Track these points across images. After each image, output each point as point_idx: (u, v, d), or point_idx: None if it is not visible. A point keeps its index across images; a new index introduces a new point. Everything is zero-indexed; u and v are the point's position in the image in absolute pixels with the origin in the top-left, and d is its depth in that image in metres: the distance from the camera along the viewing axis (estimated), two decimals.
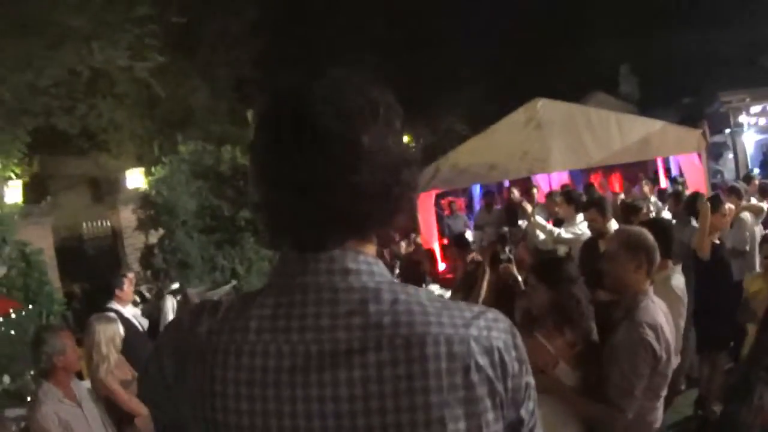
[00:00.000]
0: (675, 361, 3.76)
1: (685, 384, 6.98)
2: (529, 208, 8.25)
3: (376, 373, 1.13)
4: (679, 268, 5.07)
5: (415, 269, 11.15)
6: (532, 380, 1.27)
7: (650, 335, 3.32)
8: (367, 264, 1.23)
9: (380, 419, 1.13)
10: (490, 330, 1.20)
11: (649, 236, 3.68)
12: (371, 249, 1.28)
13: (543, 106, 11.35)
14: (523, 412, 1.25)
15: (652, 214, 9.32)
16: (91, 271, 14.13)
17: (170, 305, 9.66)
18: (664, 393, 3.62)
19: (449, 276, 11.13)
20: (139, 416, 5.17)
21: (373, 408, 1.13)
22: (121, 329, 5.39)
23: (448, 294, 9.64)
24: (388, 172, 1.22)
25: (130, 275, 10.30)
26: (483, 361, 1.17)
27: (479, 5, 23.63)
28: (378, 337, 1.15)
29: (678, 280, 4.85)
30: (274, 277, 1.28)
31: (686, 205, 7.95)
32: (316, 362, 1.15)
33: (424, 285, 10.67)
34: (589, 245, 6.52)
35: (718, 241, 6.85)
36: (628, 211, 7.51)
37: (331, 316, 1.18)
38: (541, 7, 24.85)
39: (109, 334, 5.12)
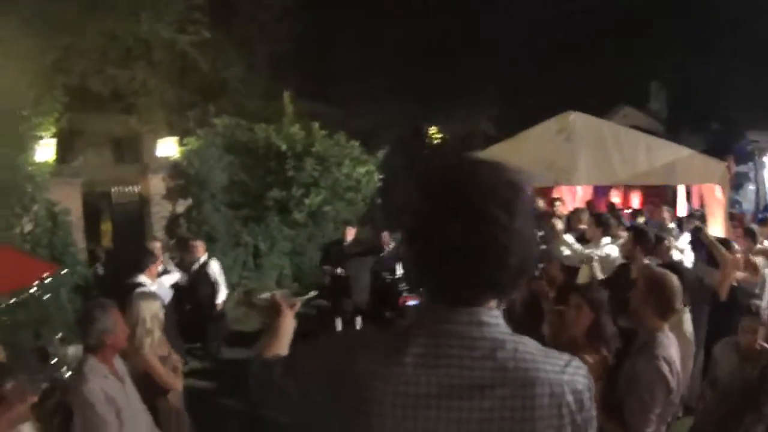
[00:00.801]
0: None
1: (681, 411, 7.09)
2: (559, 225, 8.22)
3: (500, 404, 1.47)
4: (688, 309, 5.51)
5: None
6: (595, 412, 1.58)
7: (665, 368, 3.72)
8: (495, 318, 1.55)
9: None
10: (576, 375, 1.55)
11: (675, 282, 4.03)
12: (494, 303, 1.58)
13: (575, 119, 11.34)
14: None
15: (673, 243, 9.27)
16: (117, 235, 14.24)
17: (217, 268, 10.37)
18: (670, 419, 3.97)
19: None
20: (172, 390, 5.25)
21: (494, 428, 1.47)
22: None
23: None
24: (527, 250, 1.51)
25: (158, 245, 10.43)
26: (570, 399, 1.51)
27: (517, 7, 23.32)
28: (503, 377, 1.48)
29: (688, 324, 5.39)
30: (421, 320, 1.58)
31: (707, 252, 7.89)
32: (457, 392, 1.48)
33: None
34: (623, 271, 6.49)
35: (735, 283, 6.99)
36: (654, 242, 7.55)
37: (470, 358, 1.50)
38: (578, 16, 24.51)
39: (154, 310, 5.19)
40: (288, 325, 2.26)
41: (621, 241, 9.32)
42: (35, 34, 10.28)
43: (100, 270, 11.79)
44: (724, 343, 5.62)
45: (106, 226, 15.17)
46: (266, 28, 17.55)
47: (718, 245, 7.03)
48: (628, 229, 7.23)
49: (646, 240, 6.35)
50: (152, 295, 5.53)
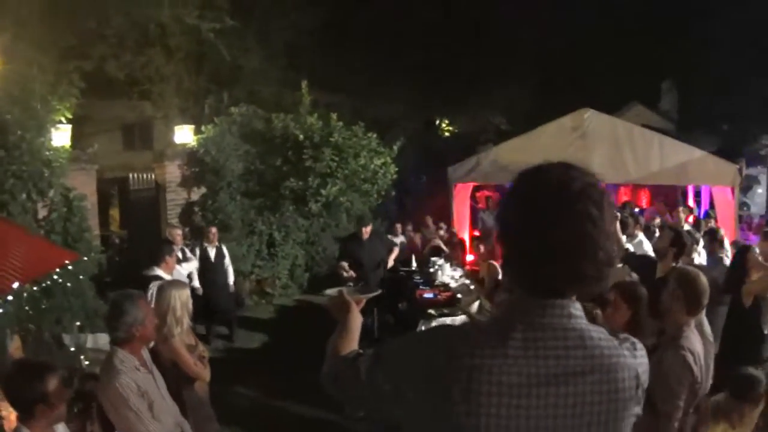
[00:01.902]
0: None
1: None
2: None
3: (590, 388, 1.63)
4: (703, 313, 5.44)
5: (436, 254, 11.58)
6: None
7: (690, 358, 4.02)
8: (579, 310, 1.70)
9: (595, 418, 1.64)
10: (642, 358, 1.75)
11: (704, 281, 4.28)
12: (575, 295, 1.71)
13: (589, 117, 11.53)
14: (639, 410, 1.77)
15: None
16: (132, 222, 14.20)
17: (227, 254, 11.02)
18: (690, 410, 4.21)
19: (476, 269, 11.12)
20: (199, 380, 5.18)
21: (587, 411, 1.63)
22: None
23: (466, 281, 9.60)
24: (612, 244, 1.63)
25: (179, 233, 10.38)
26: (643, 379, 1.73)
27: (533, 5, 23.19)
28: (591, 365, 1.64)
29: (707, 326, 5.46)
30: (517, 313, 1.69)
31: (737, 258, 7.70)
32: (553, 380, 1.61)
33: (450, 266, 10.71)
34: (651, 269, 6.43)
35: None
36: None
37: (564, 348, 1.64)
38: (591, 13, 24.35)
39: (184, 299, 5.13)
40: (357, 321, 2.32)
41: (637, 240, 9.31)
42: (58, 17, 10.22)
43: (116, 257, 11.78)
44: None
45: (121, 213, 15.14)
46: (285, 18, 17.50)
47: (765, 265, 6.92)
48: (670, 230, 7.08)
49: (682, 245, 6.31)
50: (182, 284, 5.47)
